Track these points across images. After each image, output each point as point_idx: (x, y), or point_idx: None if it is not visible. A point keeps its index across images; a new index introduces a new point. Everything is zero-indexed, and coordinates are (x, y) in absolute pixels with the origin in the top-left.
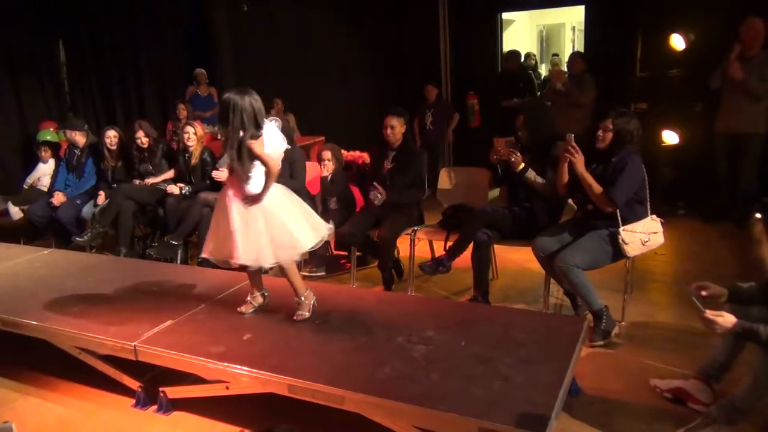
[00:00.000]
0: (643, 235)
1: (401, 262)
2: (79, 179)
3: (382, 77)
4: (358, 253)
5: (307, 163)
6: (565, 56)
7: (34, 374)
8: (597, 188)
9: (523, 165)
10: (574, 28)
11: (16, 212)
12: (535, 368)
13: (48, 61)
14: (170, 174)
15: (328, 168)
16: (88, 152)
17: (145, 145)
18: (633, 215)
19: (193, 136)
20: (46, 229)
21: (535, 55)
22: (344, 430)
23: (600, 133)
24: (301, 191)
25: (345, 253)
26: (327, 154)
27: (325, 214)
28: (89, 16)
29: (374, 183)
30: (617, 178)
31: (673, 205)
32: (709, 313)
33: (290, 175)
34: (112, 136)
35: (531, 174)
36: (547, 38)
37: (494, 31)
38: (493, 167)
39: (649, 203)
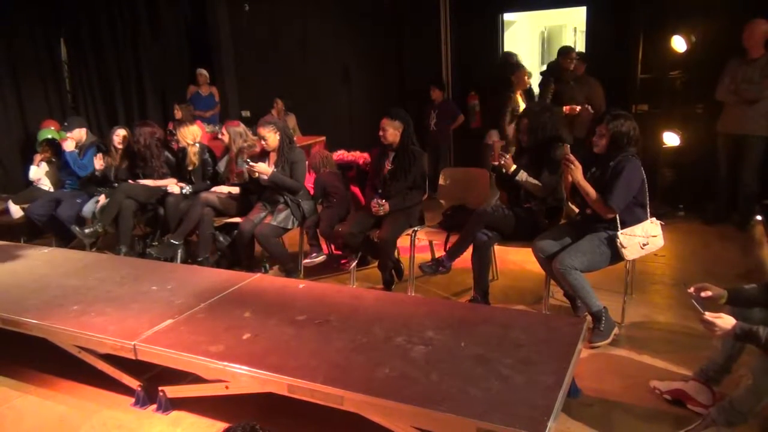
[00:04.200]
0: (642, 238)
1: (401, 262)
2: (70, 177)
3: (383, 77)
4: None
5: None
6: None
7: (34, 373)
8: (594, 196)
9: (514, 167)
10: (575, 30)
11: (16, 211)
12: (534, 369)
13: (50, 60)
14: (170, 181)
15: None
16: (88, 147)
17: (119, 147)
18: (633, 218)
19: (189, 137)
20: (47, 227)
21: (515, 55)
22: (343, 430)
23: (595, 138)
24: (300, 191)
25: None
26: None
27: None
28: (91, 15)
29: (376, 199)
30: (614, 184)
31: (674, 207)
32: (709, 315)
33: (290, 175)
34: (121, 136)
35: (522, 176)
36: (549, 39)
37: (496, 33)
38: (493, 168)
39: (649, 206)
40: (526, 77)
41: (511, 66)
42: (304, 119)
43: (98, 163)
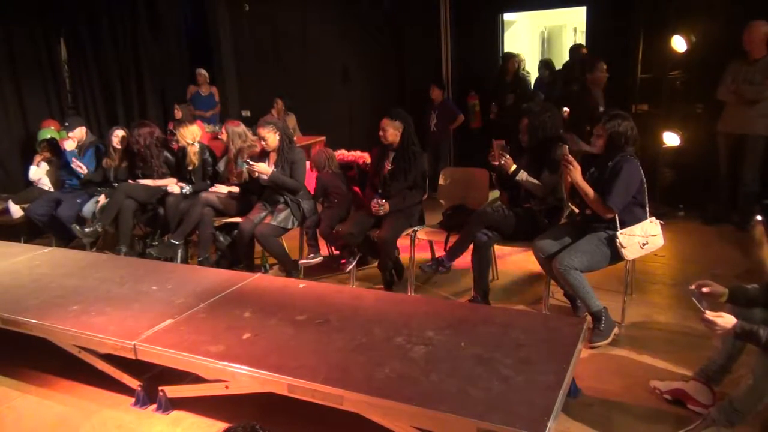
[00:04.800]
0: (642, 238)
1: (401, 262)
2: (70, 177)
3: (383, 77)
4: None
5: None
6: (564, 57)
7: (34, 372)
8: (593, 196)
9: (514, 167)
10: (575, 30)
11: (16, 211)
12: (534, 369)
13: (50, 60)
14: (170, 181)
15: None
16: (88, 147)
17: (118, 147)
18: (632, 218)
19: (189, 137)
20: (47, 227)
21: (517, 54)
22: (343, 430)
23: (592, 138)
24: (300, 191)
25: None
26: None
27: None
28: (90, 15)
29: (376, 199)
30: (612, 184)
31: (674, 207)
32: (709, 314)
33: (290, 175)
34: (120, 137)
35: (522, 175)
36: (549, 39)
37: (495, 32)
38: (493, 168)
39: (648, 206)
40: (602, 74)
41: (585, 63)
42: (304, 119)
43: (76, 164)
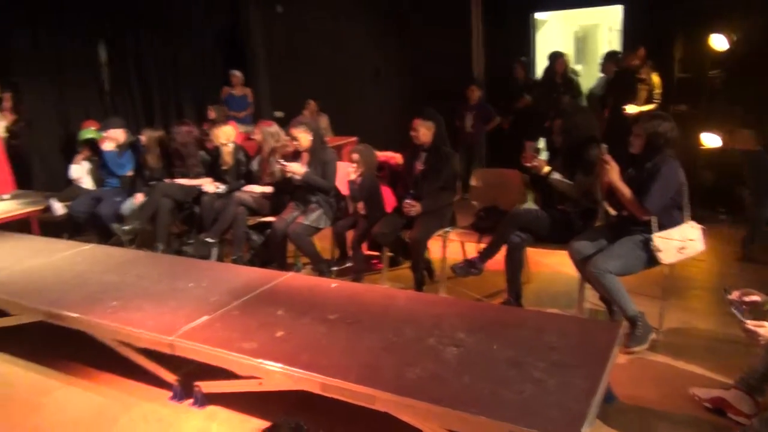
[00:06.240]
0: (679, 242)
1: (433, 263)
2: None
3: (414, 78)
4: (389, 254)
5: (338, 163)
6: (598, 57)
7: (76, 365)
8: (630, 197)
9: (547, 169)
10: (610, 29)
11: (59, 208)
12: (568, 373)
13: (90, 63)
14: (206, 180)
15: (355, 170)
16: (127, 147)
17: (175, 144)
18: (670, 221)
19: (223, 137)
20: (87, 224)
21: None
22: (374, 425)
23: (631, 138)
24: (331, 191)
25: (377, 254)
26: (354, 156)
27: (354, 216)
28: (129, 19)
29: (408, 200)
30: (650, 186)
31: (714, 211)
32: (751, 324)
33: (322, 175)
34: (148, 136)
35: (556, 176)
36: (583, 39)
37: (527, 32)
38: (526, 170)
39: (688, 209)
40: None
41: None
42: (335, 119)
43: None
